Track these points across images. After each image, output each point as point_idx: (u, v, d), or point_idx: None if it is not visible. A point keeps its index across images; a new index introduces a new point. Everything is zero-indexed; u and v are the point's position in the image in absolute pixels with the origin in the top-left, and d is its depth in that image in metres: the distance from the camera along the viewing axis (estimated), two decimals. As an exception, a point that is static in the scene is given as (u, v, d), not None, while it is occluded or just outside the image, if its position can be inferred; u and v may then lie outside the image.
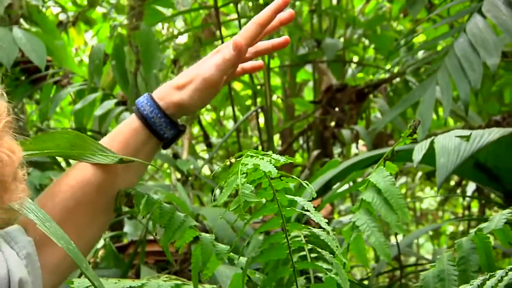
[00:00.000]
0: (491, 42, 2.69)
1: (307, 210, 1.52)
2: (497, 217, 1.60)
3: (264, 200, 1.55)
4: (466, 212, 4.96)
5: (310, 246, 1.68)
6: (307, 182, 1.58)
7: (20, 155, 1.13)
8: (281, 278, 1.72)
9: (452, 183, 4.65)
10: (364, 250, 1.76)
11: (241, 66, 1.68)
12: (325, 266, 1.70)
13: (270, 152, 1.46)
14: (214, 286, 1.90)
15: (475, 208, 5.19)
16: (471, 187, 4.49)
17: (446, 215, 5.80)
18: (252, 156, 1.45)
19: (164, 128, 1.60)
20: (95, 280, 1.42)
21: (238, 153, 1.47)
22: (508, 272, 1.30)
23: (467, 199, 4.85)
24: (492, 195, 3.87)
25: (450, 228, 5.61)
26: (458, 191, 4.73)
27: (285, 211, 1.56)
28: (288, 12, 1.63)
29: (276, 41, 1.67)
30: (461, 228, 5.15)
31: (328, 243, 1.59)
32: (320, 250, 1.64)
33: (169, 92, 1.60)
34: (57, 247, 1.41)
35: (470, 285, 1.36)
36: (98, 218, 1.60)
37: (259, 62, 1.76)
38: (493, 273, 1.34)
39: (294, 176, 1.50)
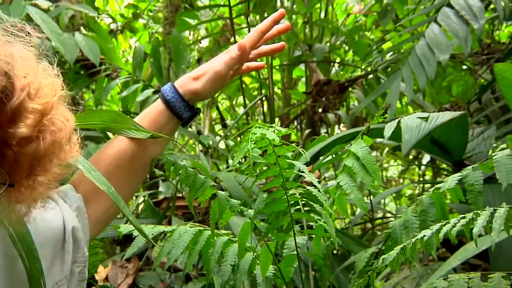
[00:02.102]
0: (444, 44, 2.76)
1: (303, 172, 1.50)
2: (450, 179, 1.58)
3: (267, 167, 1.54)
4: (421, 179, 4.99)
5: (304, 201, 1.66)
6: (303, 150, 1.57)
7: (73, 123, 1.10)
8: (281, 226, 1.70)
9: (411, 157, 4.64)
10: (346, 204, 1.74)
11: (246, 65, 1.71)
12: (316, 216, 1.69)
13: (274, 125, 1.45)
14: (228, 231, 1.88)
15: (428, 176, 5.20)
16: (426, 159, 4.48)
17: (406, 181, 5.79)
18: (259, 128, 1.44)
19: (182, 110, 1.63)
20: (129, 215, 1.40)
21: (249, 125, 1.47)
22: (460, 220, 1.28)
23: (423, 168, 4.86)
24: (443, 165, 3.87)
25: (408, 192, 5.62)
26: (416, 162, 4.74)
27: (285, 172, 1.54)
28: (285, 24, 1.68)
29: (275, 45, 1.70)
30: (417, 191, 5.16)
31: (318, 198, 1.57)
32: (312, 203, 1.62)
33: (187, 81, 1.63)
34: (100, 203, 1.50)
35: (430, 229, 1.34)
36: (133, 179, 1.63)
37: (261, 63, 1.82)
38: (448, 220, 1.32)
39: (293, 145, 1.49)
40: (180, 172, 1.65)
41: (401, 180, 6.04)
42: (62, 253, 1.35)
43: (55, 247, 1.33)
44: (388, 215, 4.27)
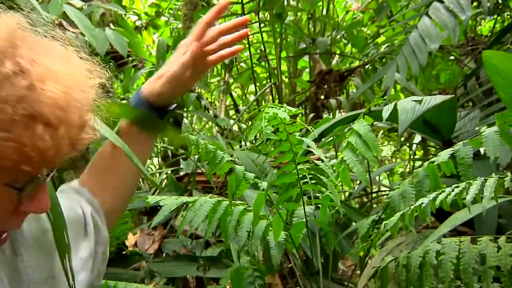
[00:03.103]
0: (434, 34, 2.75)
1: (311, 147, 1.49)
2: (443, 153, 1.55)
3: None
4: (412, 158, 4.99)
5: (311, 174, 1.64)
6: (312, 127, 1.55)
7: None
8: (291, 196, 1.68)
9: (403, 139, 4.62)
10: (349, 178, 1.72)
11: (220, 53, 1.46)
12: (322, 188, 1.67)
13: (285, 105, 1.42)
14: (243, 202, 1.87)
15: (418, 156, 5.20)
16: (416, 140, 4.46)
17: (398, 160, 5.79)
18: (272, 108, 1.41)
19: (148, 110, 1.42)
20: (144, 171, 1.35)
21: (261, 107, 1.44)
22: (454, 189, 1.26)
23: (414, 148, 4.84)
24: (432, 144, 3.85)
25: (400, 170, 5.62)
26: (408, 144, 4.72)
27: (295, 147, 1.52)
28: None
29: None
30: (408, 170, 5.16)
31: (325, 171, 1.55)
32: (319, 176, 1.60)
33: (152, 81, 1.43)
34: (106, 198, 1.37)
35: (427, 197, 1.32)
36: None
37: (238, 47, 1.51)
38: (443, 189, 1.30)
39: (302, 123, 1.46)
40: (201, 149, 1.63)
41: (394, 160, 6.04)
42: (85, 234, 1.28)
43: (78, 229, 1.27)
44: (383, 189, 4.26)
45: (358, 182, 3.42)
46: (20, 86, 0.83)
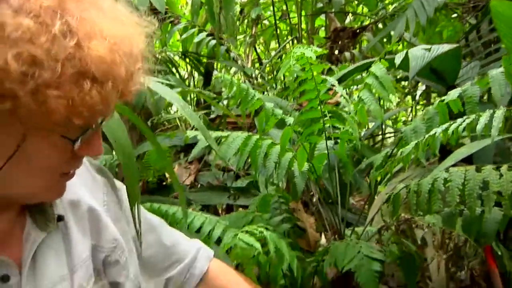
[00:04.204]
0: None
1: (334, 85, 1.45)
2: (452, 92, 1.51)
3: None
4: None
5: (331, 114, 1.61)
6: (336, 67, 1.51)
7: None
8: (313, 131, 1.66)
9: (407, 90, 4.56)
10: (366, 115, 1.69)
11: None
12: (341, 125, 1.65)
13: (311, 46, 1.38)
14: (270, 137, 1.84)
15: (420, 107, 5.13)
16: (420, 90, 4.39)
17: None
18: (299, 48, 1.37)
19: None
20: (196, 121, 1.28)
21: (293, 47, 1.40)
22: (465, 120, 1.22)
23: (417, 98, 4.76)
24: (434, 95, 3.79)
25: (403, 118, 5.55)
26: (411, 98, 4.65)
27: (319, 86, 1.48)
28: None
29: None
30: (410, 118, 5.09)
31: (346, 107, 1.52)
32: (340, 111, 1.57)
33: None
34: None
35: (440, 127, 1.29)
36: None
37: None
38: (454, 121, 1.26)
39: (326, 62, 1.42)
40: (235, 87, 1.60)
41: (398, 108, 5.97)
42: (124, 212, 1.14)
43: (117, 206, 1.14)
44: (390, 133, 4.21)
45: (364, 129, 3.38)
46: (68, 45, 0.79)
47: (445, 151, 1.94)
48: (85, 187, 1.05)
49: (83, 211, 1.02)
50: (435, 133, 1.27)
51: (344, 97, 1.50)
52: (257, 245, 1.33)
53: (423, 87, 4.17)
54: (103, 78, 0.81)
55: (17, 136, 0.80)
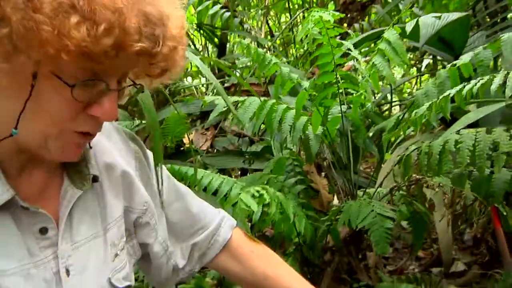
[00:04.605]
0: None
1: (350, 49, 1.42)
2: (464, 56, 1.47)
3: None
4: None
5: (344, 79, 1.58)
6: (351, 31, 1.47)
7: None
8: (327, 95, 1.63)
9: (413, 62, 4.49)
10: (377, 80, 1.66)
11: None
12: (354, 89, 1.62)
13: (328, 9, 1.34)
14: (286, 102, 1.82)
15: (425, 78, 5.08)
16: (425, 62, 4.33)
17: (407, 84, 5.65)
18: (317, 11, 1.33)
19: None
20: (215, 82, 1.29)
21: (311, 9, 1.37)
22: (480, 81, 1.19)
23: (423, 70, 4.68)
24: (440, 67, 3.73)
25: (408, 90, 5.50)
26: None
27: (335, 50, 1.45)
28: None
29: None
30: (414, 90, 5.03)
31: (360, 71, 1.49)
32: (353, 75, 1.54)
33: None
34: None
35: (454, 89, 1.26)
36: None
37: None
38: (468, 82, 1.23)
39: (343, 27, 1.39)
40: (252, 52, 1.57)
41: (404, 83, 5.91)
42: (153, 179, 1.13)
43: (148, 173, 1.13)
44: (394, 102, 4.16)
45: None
46: None
47: (450, 119, 1.91)
48: (119, 153, 1.05)
49: (117, 174, 1.02)
50: (449, 94, 1.24)
51: (358, 60, 1.47)
52: (254, 206, 1.31)
53: (428, 60, 4.10)
54: (96, 18, 0.77)
55: (29, 77, 0.77)
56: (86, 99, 0.82)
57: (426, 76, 4.56)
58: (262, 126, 2.54)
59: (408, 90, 5.58)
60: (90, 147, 0.97)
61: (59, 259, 0.90)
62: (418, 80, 4.86)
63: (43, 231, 0.89)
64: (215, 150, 2.61)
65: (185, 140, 2.56)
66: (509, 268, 1.85)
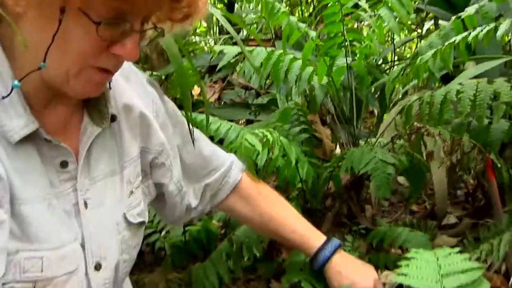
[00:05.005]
0: None
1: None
2: (469, 8, 1.43)
3: None
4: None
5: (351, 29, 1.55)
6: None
7: None
8: (334, 44, 1.60)
9: (413, 26, 4.39)
10: (383, 31, 1.62)
11: None
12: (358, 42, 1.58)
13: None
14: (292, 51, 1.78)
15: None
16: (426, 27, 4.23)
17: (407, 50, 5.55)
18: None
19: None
20: (225, 23, 1.26)
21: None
22: (485, 27, 1.16)
23: (424, 33, 4.59)
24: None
25: (408, 55, 5.41)
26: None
27: (345, 9, 1.41)
28: None
29: None
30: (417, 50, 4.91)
31: (367, 21, 1.45)
32: (359, 28, 1.51)
33: (338, 274, 1.20)
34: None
35: (460, 35, 1.23)
36: None
37: None
38: (472, 30, 1.20)
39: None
40: (260, 1, 1.53)
41: (403, 48, 5.81)
42: (169, 122, 1.14)
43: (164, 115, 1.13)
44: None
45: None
46: None
47: (449, 78, 1.88)
48: (138, 95, 1.06)
49: (135, 115, 1.03)
50: (454, 40, 1.22)
51: (365, 9, 1.43)
52: (259, 146, 1.30)
53: (429, 24, 4.01)
54: None
55: (57, 11, 0.77)
56: (110, 38, 0.81)
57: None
58: (268, 81, 2.52)
59: (408, 56, 5.51)
60: (110, 88, 0.96)
61: (78, 192, 0.91)
62: (419, 43, 4.77)
63: (64, 164, 0.89)
64: (223, 102, 2.60)
65: (194, 92, 2.54)
66: (500, 217, 1.85)
